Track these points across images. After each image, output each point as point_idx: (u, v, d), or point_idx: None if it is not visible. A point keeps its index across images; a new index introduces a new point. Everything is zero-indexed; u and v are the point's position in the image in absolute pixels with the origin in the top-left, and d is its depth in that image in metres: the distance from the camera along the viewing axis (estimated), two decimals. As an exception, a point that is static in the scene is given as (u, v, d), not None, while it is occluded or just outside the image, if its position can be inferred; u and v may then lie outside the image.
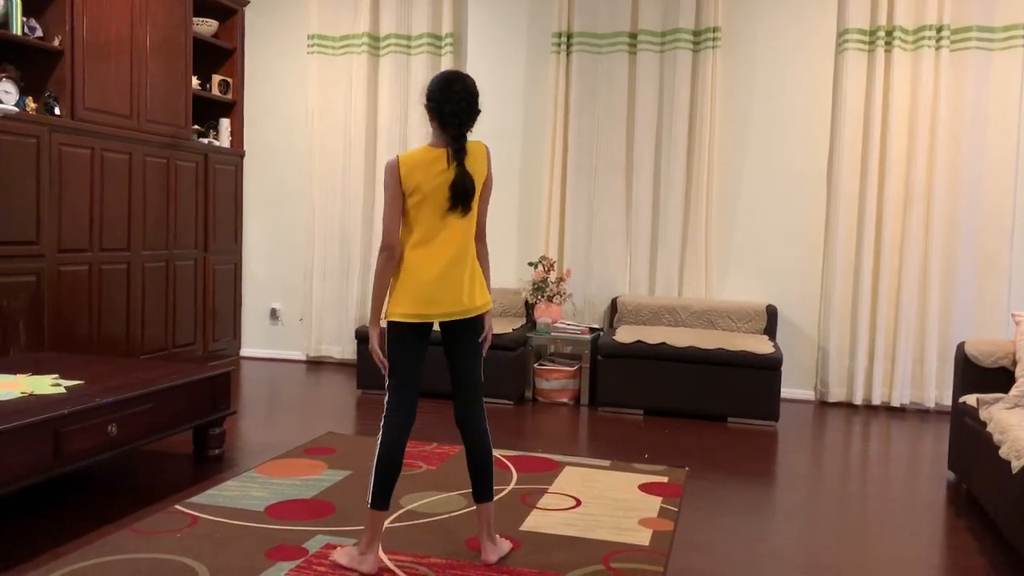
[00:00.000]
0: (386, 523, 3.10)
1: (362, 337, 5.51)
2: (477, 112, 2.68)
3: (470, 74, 2.76)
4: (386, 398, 2.72)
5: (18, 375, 3.53)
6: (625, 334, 5.24)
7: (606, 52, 5.83)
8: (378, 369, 2.85)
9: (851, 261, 5.52)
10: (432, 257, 2.65)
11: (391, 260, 2.66)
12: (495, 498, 3.04)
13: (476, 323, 2.76)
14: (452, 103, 2.62)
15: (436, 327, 2.75)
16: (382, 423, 2.71)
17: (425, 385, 4.56)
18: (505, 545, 2.87)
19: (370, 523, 2.69)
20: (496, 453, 4.09)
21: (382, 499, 2.68)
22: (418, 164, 2.63)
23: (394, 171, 2.64)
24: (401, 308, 2.65)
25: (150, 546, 2.83)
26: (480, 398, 2.81)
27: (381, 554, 2.81)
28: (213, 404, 3.84)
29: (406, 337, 2.68)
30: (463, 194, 2.64)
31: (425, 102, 2.70)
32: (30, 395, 3.17)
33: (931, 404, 5.44)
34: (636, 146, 5.78)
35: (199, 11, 6.22)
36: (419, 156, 2.64)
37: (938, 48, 5.32)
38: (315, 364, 6.50)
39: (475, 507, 2.83)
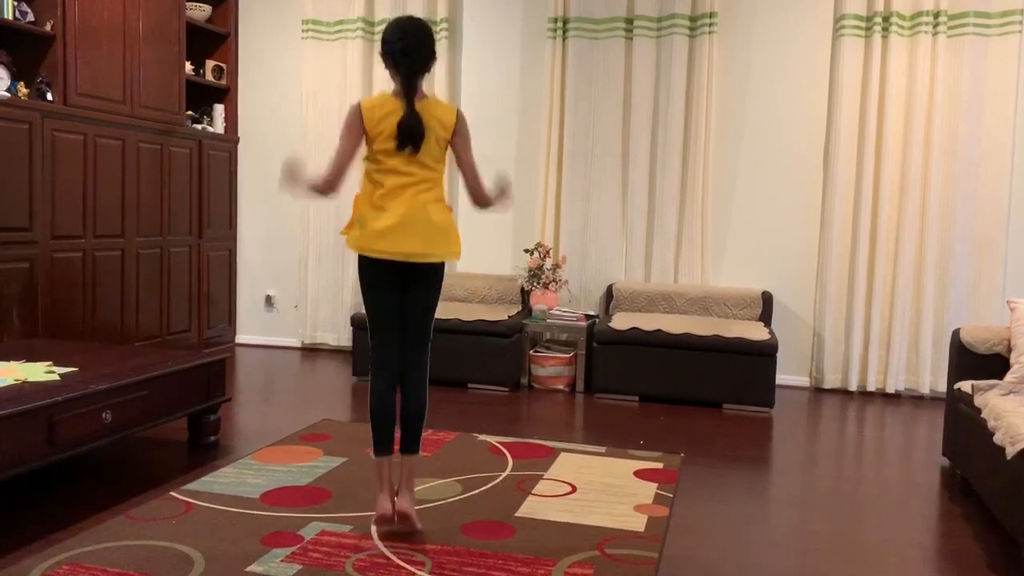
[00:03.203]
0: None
1: (358, 324, 5.50)
2: (431, 53, 2.73)
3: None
4: (372, 354, 2.85)
5: (12, 362, 3.52)
6: (621, 321, 5.24)
7: (602, 37, 5.80)
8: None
9: (847, 247, 5.51)
10: (394, 201, 2.69)
11: (329, 190, 2.72)
12: (494, 483, 3.04)
13: (433, 271, 2.82)
14: (403, 41, 2.67)
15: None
16: (370, 376, 2.86)
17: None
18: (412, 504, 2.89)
19: (376, 470, 2.83)
20: (492, 440, 4.10)
21: (381, 445, 2.82)
22: (381, 109, 2.69)
23: (355, 112, 2.70)
24: (361, 241, 2.71)
25: (145, 533, 2.83)
26: (426, 349, 2.89)
27: (396, 499, 2.85)
28: (208, 391, 3.84)
29: (372, 276, 2.76)
30: (409, 133, 2.67)
31: (380, 51, 2.76)
32: (24, 382, 3.16)
33: (926, 390, 5.45)
34: (632, 132, 5.76)
35: (192, -4, 6.18)
36: (380, 101, 2.72)
37: (935, 34, 5.29)
38: (310, 351, 6.49)
39: (399, 458, 2.88)
